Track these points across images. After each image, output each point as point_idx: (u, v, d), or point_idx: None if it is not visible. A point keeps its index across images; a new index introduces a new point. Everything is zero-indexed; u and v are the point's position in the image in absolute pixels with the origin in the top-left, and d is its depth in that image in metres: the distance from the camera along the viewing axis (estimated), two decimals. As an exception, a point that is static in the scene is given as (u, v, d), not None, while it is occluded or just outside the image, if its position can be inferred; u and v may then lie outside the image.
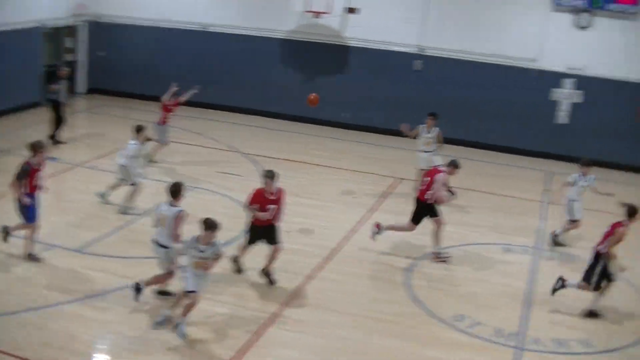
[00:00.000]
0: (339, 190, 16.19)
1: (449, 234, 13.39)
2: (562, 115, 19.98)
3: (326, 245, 12.82)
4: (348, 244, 13.20)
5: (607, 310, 11.39)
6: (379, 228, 13.03)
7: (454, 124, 17.92)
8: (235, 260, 11.54)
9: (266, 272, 11.33)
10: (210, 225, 9.26)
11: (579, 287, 11.22)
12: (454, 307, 11.12)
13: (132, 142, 13.76)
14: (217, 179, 16.19)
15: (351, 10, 20.70)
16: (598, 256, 11.00)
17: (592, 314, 11.14)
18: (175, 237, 9.89)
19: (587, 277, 11.10)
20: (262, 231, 11.16)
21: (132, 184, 13.70)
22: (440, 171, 12.66)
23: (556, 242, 13.95)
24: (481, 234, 14.20)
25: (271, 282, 11.31)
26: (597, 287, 11.03)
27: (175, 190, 10.08)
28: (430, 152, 15.87)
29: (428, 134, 15.86)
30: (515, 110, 20.34)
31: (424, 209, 12.71)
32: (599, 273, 10.95)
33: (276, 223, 11.24)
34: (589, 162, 13.83)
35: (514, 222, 15.07)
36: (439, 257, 12.81)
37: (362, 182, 16.99)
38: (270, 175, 11.03)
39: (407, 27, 20.90)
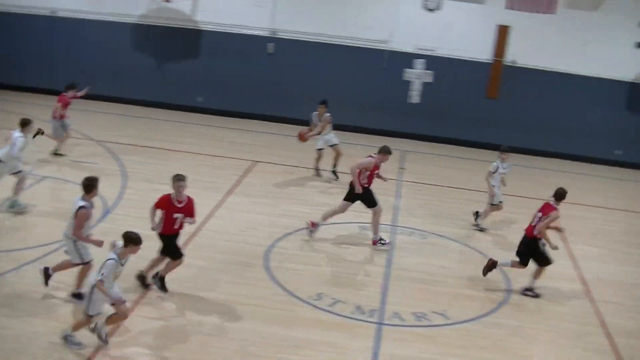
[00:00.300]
0: (196, 175, 15.85)
1: (308, 215, 13.43)
2: (414, 95, 20.47)
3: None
4: (205, 228, 12.94)
5: (464, 280, 11.80)
6: (314, 226, 12.95)
7: (311, 107, 17.89)
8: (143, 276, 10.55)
9: (160, 278, 10.44)
10: (135, 240, 8.72)
11: (513, 265, 11.66)
12: (314, 286, 11.11)
13: (18, 134, 12.69)
14: (71, 167, 15.50)
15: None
16: (531, 238, 11.43)
17: (528, 291, 11.63)
18: (75, 232, 9.54)
19: (519, 255, 11.60)
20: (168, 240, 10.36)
21: (18, 172, 12.77)
22: (371, 157, 12.74)
23: (476, 226, 14.34)
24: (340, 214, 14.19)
25: (164, 289, 10.46)
26: (527, 263, 11.57)
27: (87, 185, 9.65)
28: (326, 134, 16.35)
29: (320, 121, 16.23)
30: (369, 91, 20.65)
31: (359, 195, 12.72)
32: (532, 252, 11.45)
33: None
34: (507, 149, 14.26)
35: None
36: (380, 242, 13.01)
37: (219, 167, 16.75)
38: (182, 179, 10.17)
39: (259, 11, 20.79)
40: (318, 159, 16.60)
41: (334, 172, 16.50)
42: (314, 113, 16.38)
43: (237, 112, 21.27)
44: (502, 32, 20.02)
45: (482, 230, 14.31)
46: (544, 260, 11.46)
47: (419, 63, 20.13)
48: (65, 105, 16.15)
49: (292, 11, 20.65)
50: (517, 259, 11.65)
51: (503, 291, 11.74)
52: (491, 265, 11.70)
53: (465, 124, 20.67)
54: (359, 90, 20.67)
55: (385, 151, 12.78)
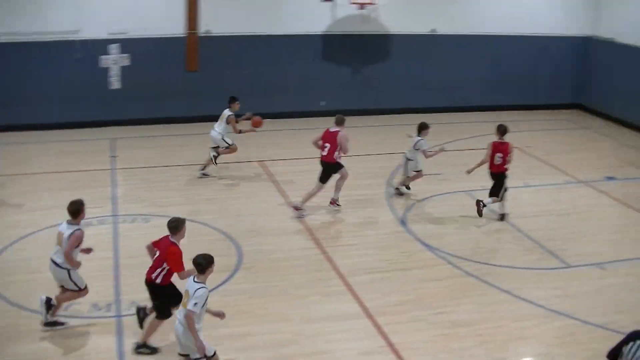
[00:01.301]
0: None
1: (24, 222, 12.65)
2: (114, 81, 19.81)
3: None
4: None
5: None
6: (297, 209, 13.87)
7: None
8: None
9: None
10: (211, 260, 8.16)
11: (494, 201, 13.92)
12: (41, 294, 10.41)
13: None
14: None
15: None
16: (499, 174, 13.79)
17: (503, 218, 14.04)
18: (67, 256, 9.23)
19: (495, 193, 13.89)
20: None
21: None
22: (337, 132, 13.80)
23: (398, 191, 15.36)
24: (52, 216, 13.26)
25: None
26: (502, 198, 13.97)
27: (74, 210, 9.36)
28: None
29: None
30: (68, 84, 19.62)
31: (331, 169, 13.88)
32: (502, 186, 13.82)
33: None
34: (423, 126, 14.81)
35: (86, 196, 14.58)
36: (336, 203, 14.30)
37: None
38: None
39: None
40: None
41: None
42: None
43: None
44: (192, 4, 19.96)
45: (401, 194, 15.33)
46: (504, 189, 13.91)
47: (114, 48, 19.44)
48: None
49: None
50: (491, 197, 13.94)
51: (234, 257, 11.96)
52: (480, 207, 13.87)
53: (170, 101, 20.43)
54: (54, 85, 19.52)
55: (339, 121, 14.02)
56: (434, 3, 21.70)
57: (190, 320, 7.87)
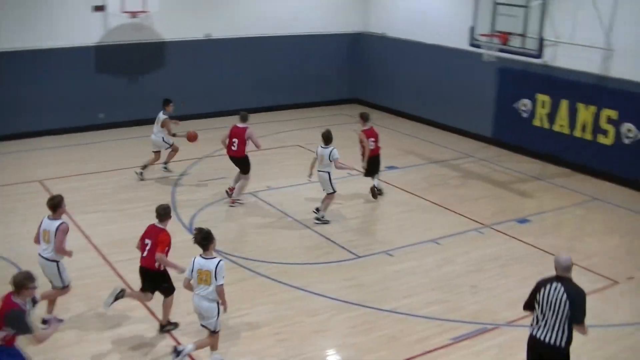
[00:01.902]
0: None
1: None
2: None
3: None
4: None
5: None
6: (231, 191, 14.96)
7: None
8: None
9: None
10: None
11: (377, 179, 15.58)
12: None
13: None
14: None
15: None
16: (377, 156, 15.34)
17: (378, 193, 15.53)
18: (59, 247, 9.70)
19: (375, 172, 15.44)
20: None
21: None
22: (245, 128, 14.69)
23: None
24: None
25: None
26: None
27: (54, 205, 9.78)
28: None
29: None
30: None
31: (242, 162, 14.85)
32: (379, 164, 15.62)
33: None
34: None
35: None
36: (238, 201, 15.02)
37: None
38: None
39: None
40: None
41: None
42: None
43: None
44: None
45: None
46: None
47: None
48: None
49: None
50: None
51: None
52: (374, 191, 15.34)
53: None
54: None
55: (244, 118, 14.94)
56: (207, 7, 21.68)
57: (222, 293, 8.86)
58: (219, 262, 8.84)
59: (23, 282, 7.64)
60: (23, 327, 7.59)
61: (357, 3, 24.57)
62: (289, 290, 11.41)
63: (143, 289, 10.07)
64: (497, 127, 20.03)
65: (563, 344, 7.61)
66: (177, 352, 9.22)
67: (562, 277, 7.69)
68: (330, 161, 13.99)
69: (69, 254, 9.91)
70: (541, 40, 16.03)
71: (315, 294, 11.29)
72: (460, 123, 21.18)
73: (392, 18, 23.53)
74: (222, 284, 8.82)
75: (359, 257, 12.73)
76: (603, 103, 16.98)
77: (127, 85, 21.09)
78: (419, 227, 14.08)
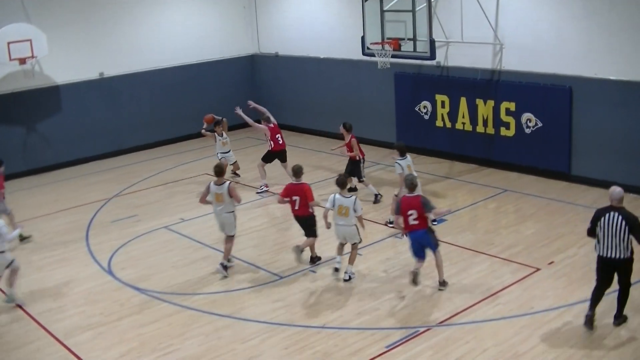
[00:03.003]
0: None
1: None
2: None
3: None
4: None
5: None
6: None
7: None
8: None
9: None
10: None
11: (363, 182, 16.23)
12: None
13: None
14: None
15: None
16: (357, 161, 16.04)
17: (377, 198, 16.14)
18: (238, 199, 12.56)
19: (357, 175, 16.08)
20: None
21: None
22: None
23: None
24: None
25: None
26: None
27: (219, 171, 12.57)
28: None
29: None
30: None
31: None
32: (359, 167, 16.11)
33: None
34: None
35: None
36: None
37: None
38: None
39: None
40: None
41: None
42: None
43: None
44: None
45: None
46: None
47: None
48: None
49: None
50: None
51: None
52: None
53: None
54: None
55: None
56: (98, 46, 21.27)
57: (361, 218, 12.11)
58: (355, 199, 11.81)
59: None
60: None
61: (247, 25, 24.63)
62: (218, 319, 11.18)
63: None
64: (401, 132, 20.27)
65: (628, 255, 9.73)
66: (336, 269, 12.26)
67: (617, 207, 9.71)
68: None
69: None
70: (432, 42, 16.27)
71: (245, 319, 11.10)
72: (365, 132, 21.30)
73: (283, 37, 23.64)
74: (361, 213, 11.95)
75: (283, 277, 12.61)
76: (500, 96, 17.47)
77: (26, 133, 20.43)
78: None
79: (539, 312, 10.73)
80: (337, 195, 12.02)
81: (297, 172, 12.84)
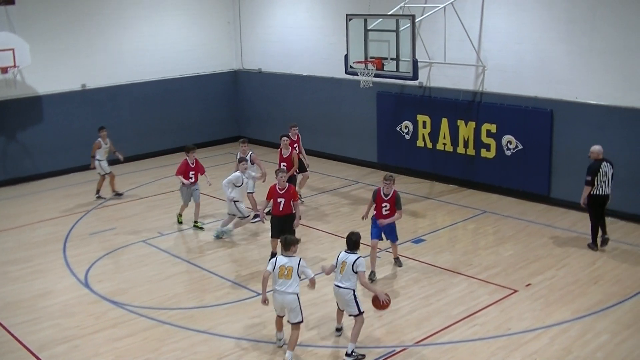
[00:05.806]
0: None
1: None
2: None
3: None
4: None
5: None
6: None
7: None
8: None
9: None
10: None
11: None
12: None
13: None
14: None
15: None
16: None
17: None
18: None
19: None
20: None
21: None
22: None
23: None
24: None
25: None
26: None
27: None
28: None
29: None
30: None
31: None
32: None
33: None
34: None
35: None
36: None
37: None
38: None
39: None
40: None
41: None
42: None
43: None
44: None
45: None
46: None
47: None
48: None
49: None
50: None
51: None
52: None
53: None
54: None
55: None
56: (81, 58, 21.21)
57: (365, 281, 10.36)
58: (357, 257, 10.28)
59: None
60: None
61: (231, 41, 24.68)
62: (194, 334, 11.10)
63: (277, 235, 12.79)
64: (381, 152, 20.34)
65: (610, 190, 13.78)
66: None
67: (604, 158, 13.61)
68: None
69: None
70: (415, 62, 16.37)
71: (221, 335, 11.03)
72: (346, 151, 21.41)
73: (266, 53, 23.71)
74: (363, 272, 10.25)
75: (259, 293, 12.51)
76: (482, 118, 17.58)
77: (6, 143, 20.28)
78: (315, 259, 13.98)
79: (516, 334, 10.75)
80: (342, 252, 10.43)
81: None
